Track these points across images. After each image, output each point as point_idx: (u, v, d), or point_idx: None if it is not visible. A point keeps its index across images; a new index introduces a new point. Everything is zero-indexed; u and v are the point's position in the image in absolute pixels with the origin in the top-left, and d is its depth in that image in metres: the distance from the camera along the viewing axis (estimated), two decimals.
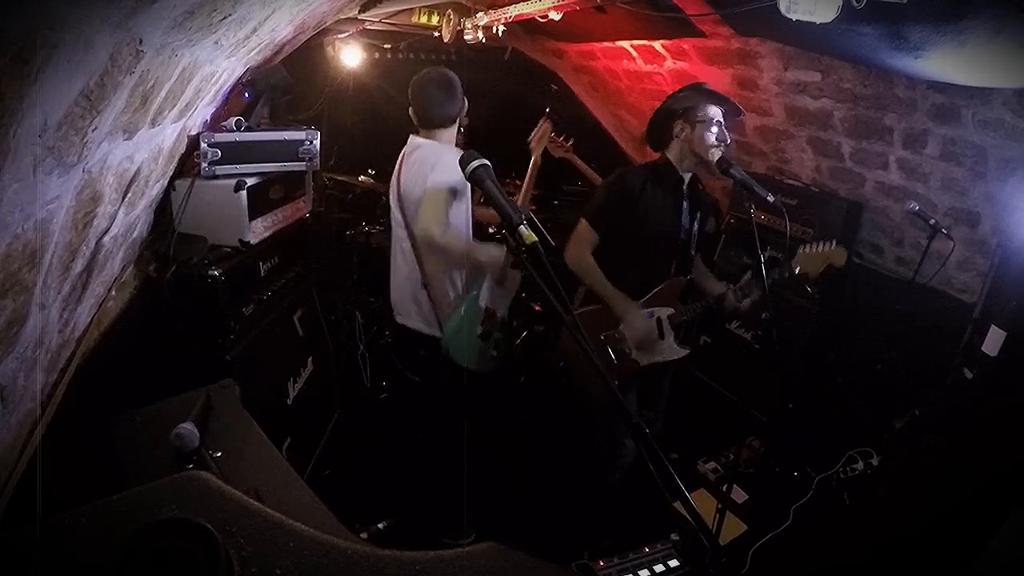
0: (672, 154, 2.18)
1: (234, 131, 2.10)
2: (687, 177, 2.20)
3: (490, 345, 2.23)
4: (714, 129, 2.08)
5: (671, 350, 2.22)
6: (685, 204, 2.21)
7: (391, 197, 2.31)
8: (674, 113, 2.16)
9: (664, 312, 2.21)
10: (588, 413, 2.40)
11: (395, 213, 2.28)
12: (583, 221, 2.21)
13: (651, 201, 2.16)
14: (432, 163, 2.08)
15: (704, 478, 3.02)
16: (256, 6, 1.42)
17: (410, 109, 2.22)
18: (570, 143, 3.11)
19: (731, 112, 2.16)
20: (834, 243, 2.16)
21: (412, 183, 2.16)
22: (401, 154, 2.29)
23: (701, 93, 2.16)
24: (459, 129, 2.26)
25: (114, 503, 0.83)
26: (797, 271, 2.15)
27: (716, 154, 2.08)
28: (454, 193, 2.05)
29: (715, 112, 2.10)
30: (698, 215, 2.25)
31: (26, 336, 1.14)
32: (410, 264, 2.26)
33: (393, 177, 2.30)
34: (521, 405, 3.41)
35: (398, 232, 2.29)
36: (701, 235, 2.28)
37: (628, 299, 2.16)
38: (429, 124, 2.20)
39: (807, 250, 2.16)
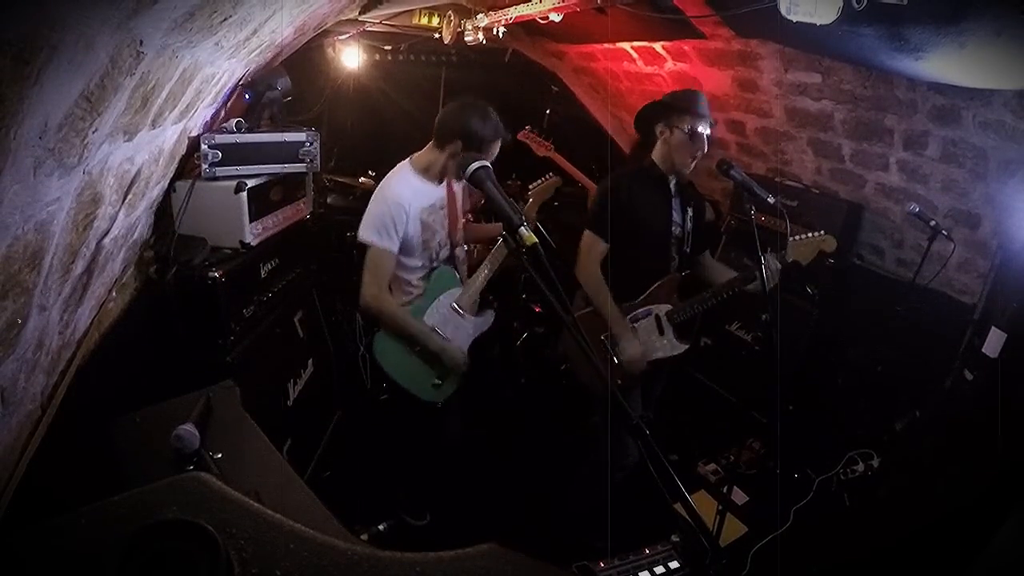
0: (657, 156, 2.23)
1: (235, 132, 2.10)
2: (673, 177, 2.26)
3: (433, 373, 2.18)
4: (690, 140, 2.13)
5: (671, 346, 2.26)
6: (675, 201, 2.27)
7: None
8: (658, 115, 2.21)
9: (662, 309, 2.26)
10: (591, 413, 2.42)
11: None
12: (587, 232, 2.22)
13: (642, 202, 2.21)
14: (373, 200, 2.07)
15: (704, 479, 3.02)
16: (256, 8, 1.42)
17: None
18: (550, 142, 3.15)
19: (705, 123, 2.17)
20: (822, 232, 2.23)
21: None
22: None
23: (686, 103, 2.17)
24: (450, 160, 2.08)
25: (114, 504, 0.82)
26: (791, 260, 2.22)
27: (688, 167, 2.18)
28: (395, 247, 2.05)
29: (693, 123, 2.13)
30: (689, 211, 2.30)
31: (26, 338, 1.14)
32: None
33: None
34: (521, 405, 3.41)
35: None
36: (696, 229, 2.33)
37: (627, 324, 2.21)
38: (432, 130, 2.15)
39: (798, 239, 2.23)
